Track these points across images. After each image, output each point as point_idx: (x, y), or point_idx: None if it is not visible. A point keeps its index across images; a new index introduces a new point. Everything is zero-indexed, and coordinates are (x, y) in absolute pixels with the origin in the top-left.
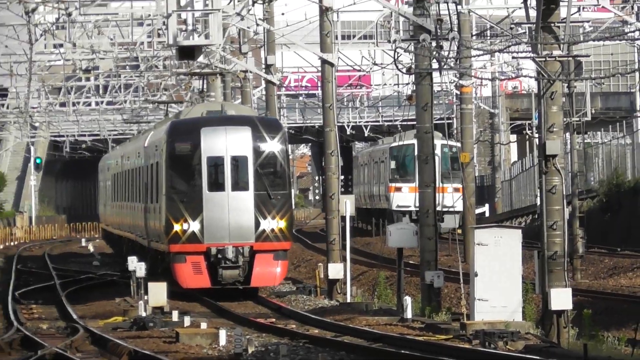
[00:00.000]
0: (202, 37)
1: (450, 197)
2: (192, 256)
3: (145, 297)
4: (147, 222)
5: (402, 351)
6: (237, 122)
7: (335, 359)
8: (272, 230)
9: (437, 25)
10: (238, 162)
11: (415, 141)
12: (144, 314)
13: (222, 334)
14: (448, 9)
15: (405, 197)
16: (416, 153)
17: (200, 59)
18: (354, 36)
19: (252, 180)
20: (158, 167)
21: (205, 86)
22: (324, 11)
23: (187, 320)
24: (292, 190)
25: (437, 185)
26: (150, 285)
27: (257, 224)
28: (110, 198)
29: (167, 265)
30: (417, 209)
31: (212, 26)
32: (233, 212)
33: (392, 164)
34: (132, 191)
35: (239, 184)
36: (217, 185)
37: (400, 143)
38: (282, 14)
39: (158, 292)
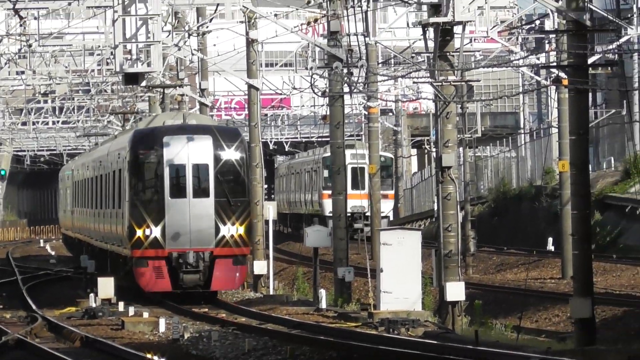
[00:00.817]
0: (144, 65)
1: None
2: (154, 261)
3: (95, 290)
4: (110, 227)
5: (318, 336)
6: (198, 131)
7: (259, 343)
8: (232, 236)
9: (348, 54)
10: (199, 170)
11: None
12: (94, 305)
13: (162, 322)
14: (357, 41)
15: None
16: (346, 163)
17: (143, 83)
18: (276, 64)
19: (212, 188)
20: (121, 174)
21: (148, 107)
22: (250, 43)
23: (131, 310)
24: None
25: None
26: (100, 280)
27: (217, 230)
28: (70, 205)
29: (129, 269)
30: (349, 214)
31: (154, 56)
32: (194, 218)
33: (325, 173)
34: (92, 198)
35: (200, 191)
36: (178, 192)
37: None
38: (214, 45)
39: (107, 286)
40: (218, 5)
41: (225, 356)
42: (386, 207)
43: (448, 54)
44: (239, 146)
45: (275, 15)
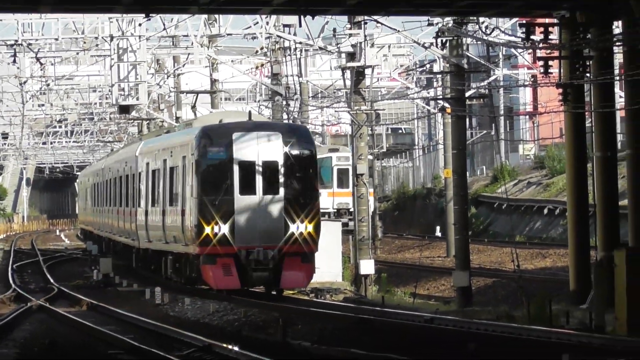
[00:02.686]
0: (134, 99)
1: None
2: (223, 258)
3: (98, 268)
4: (164, 225)
5: (265, 301)
6: (268, 128)
7: (221, 307)
8: (301, 233)
9: (286, 90)
10: (269, 167)
11: (330, 154)
12: (96, 279)
13: (147, 291)
14: (293, 80)
15: (324, 200)
16: (333, 164)
17: (133, 113)
18: (232, 98)
19: (282, 185)
20: (183, 171)
21: (141, 128)
22: (213, 82)
23: (124, 283)
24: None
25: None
26: (101, 260)
27: (286, 228)
28: (91, 203)
29: (194, 267)
30: (335, 209)
31: (141, 92)
32: (263, 215)
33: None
34: (120, 197)
35: (270, 188)
36: (248, 189)
37: (320, 156)
38: (186, 83)
39: (106, 264)
40: (189, 54)
41: (195, 316)
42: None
43: (361, 89)
44: (308, 143)
45: (232, 61)
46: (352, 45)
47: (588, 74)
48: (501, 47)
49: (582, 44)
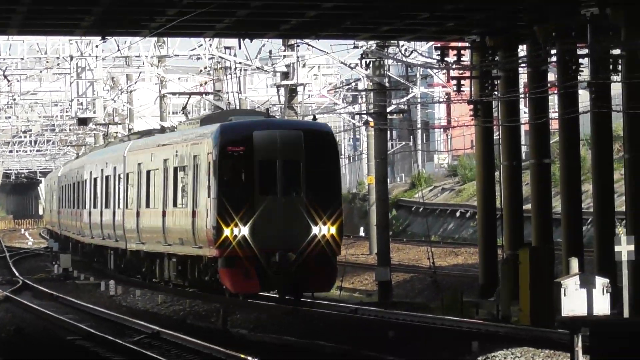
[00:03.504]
0: (91, 112)
1: None
2: (243, 261)
3: (58, 263)
4: (165, 227)
5: (206, 293)
6: (289, 126)
7: (168, 298)
8: (324, 236)
9: (227, 105)
10: (290, 166)
11: None
12: (57, 273)
13: (103, 284)
14: (233, 96)
15: None
16: None
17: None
18: (179, 112)
19: (304, 185)
20: (196, 171)
21: (97, 138)
22: (161, 97)
23: (82, 277)
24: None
25: None
26: (62, 256)
27: (308, 230)
28: (57, 205)
29: (210, 270)
30: None
31: (97, 106)
32: (285, 216)
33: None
34: (95, 198)
35: (291, 189)
36: (269, 189)
37: None
38: (138, 99)
39: (66, 260)
40: (141, 72)
41: (145, 306)
42: None
43: (294, 105)
44: (331, 142)
45: (179, 78)
46: (286, 66)
47: (496, 92)
48: (419, 67)
49: (491, 65)
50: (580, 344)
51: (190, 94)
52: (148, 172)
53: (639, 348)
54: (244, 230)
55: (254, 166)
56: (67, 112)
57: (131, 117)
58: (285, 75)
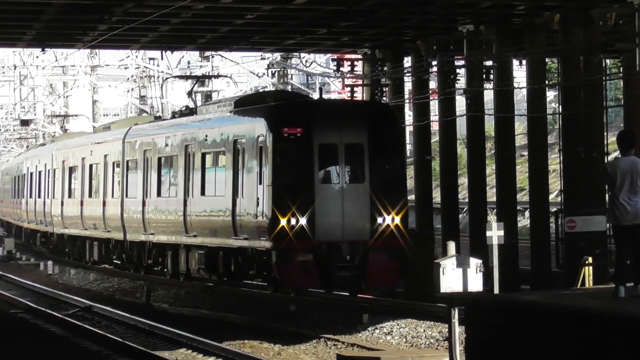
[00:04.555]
0: (33, 114)
1: None
2: (301, 254)
3: (3, 246)
4: (186, 216)
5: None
6: (352, 107)
7: (99, 276)
8: (388, 226)
9: (151, 109)
10: (353, 151)
11: None
12: (1, 254)
13: (42, 264)
14: (157, 101)
15: None
16: None
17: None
18: (109, 114)
19: (367, 172)
20: (237, 156)
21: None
22: (94, 102)
23: (24, 258)
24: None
25: None
26: (6, 240)
27: (373, 220)
28: (1, 196)
29: (261, 264)
30: None
31: (38, 109)
32: (347, 206)
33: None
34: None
35: (354, 175)
36: (330, 176)
37: None
38: (73, 103)
39: (10, 243)
40: (76, 80)
41: (79, 283)
42: None
43: None
44: (395, 124)
45: (109, 85)
46: (202, 74)
47: (385, 98)
48: (317, 76)
49: (380, 75)
50: (456, 317)
51: (196, 77)
52: (160, 159)
53: (506, 319)
54: (302, 221)
55: (314, 151)
56: (11, 114)
57: (67, 120)
58: (202, 83)
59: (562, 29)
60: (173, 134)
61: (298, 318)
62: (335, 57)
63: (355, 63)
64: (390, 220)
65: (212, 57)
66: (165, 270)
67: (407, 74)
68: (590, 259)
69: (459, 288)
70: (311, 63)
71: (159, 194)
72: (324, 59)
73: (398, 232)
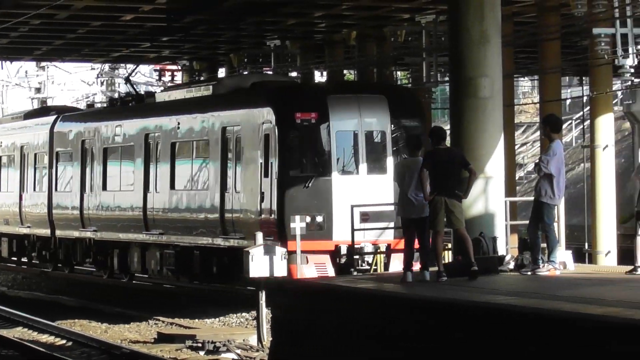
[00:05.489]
0: None
1: None
2: (317, 255)
3: None
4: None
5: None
6: (370, 90)
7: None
8: None
9: None
10: (373, 139)
11: None
12: None
13: None
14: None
15: None
16: None
17: None
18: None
19: (390, 162)
20: (240, 145)
21: None
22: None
23: None
24: None
25: None
26: None
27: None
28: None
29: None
30: None
31: None
32: (369, 201)
33: None
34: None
35: (375, 166)
36: (348, 166)
37: None
38: None
39: None
40: None
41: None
42: None
43: None
44: (418, 110)
45: None
46: (39, 82)
47: None
48: (142, 85)
49: (201, 84)
50: (264, 298)
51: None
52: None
53: (307, 300)
54: (318, 218)
55: (331, 138)
56: None
57: None
58: (38, 90)
59: (358, 44)
60: (126, 122)
61: (127, 301)
62: (158, 67)
63: (175, 73)
64: None
65: (47, 67)
66: (106, 271)
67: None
68: (382, 247)
69: (266, 274)
70: (136, 73)
71: (104, 187)
72: (148, 70)
73: None
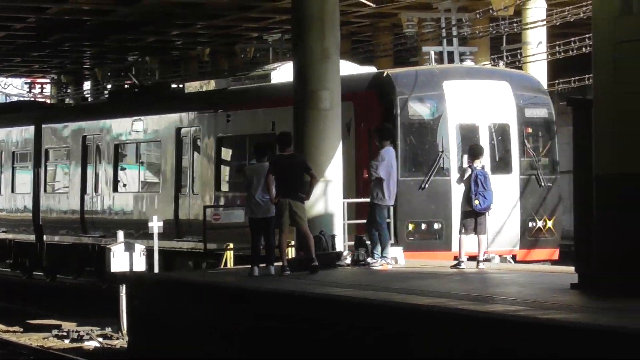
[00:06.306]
0: None
1: None
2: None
3: None
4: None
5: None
6: (491, 75)
7: None
8: (540, 230)
9: None
10: (496, 133)
11: None
12: None
13: None
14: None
15: None
16: None
17: None
18: None
19: (516, 160)
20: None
21: None
22: None
23: None
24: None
25: None
26: None
27: (524, 222)
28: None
29: None
30: None
31: None
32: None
33: None
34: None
35: (499, 165)
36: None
37: None
38: None
39: None
40: None
41: None
42: None
43: None
44: (546, 100)
45: None
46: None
47: None
48: (13, 96)
49: (65, 96)
50: (124, 291)
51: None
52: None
53: (164, 292)
54: (436, 225)
55: (449, 133)
56: None
57: None
58: None
59: (211, 60)
60: (152, 117)
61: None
62: (29, 80)
63: (45, 86)
64: (541, 222)
65: None
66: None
67: (87, 95)
68: (231, 245)
69: (126, 268)
70: (9, 85)
71: (115, 189)
72: (20, 82)
73: (551, 238)
